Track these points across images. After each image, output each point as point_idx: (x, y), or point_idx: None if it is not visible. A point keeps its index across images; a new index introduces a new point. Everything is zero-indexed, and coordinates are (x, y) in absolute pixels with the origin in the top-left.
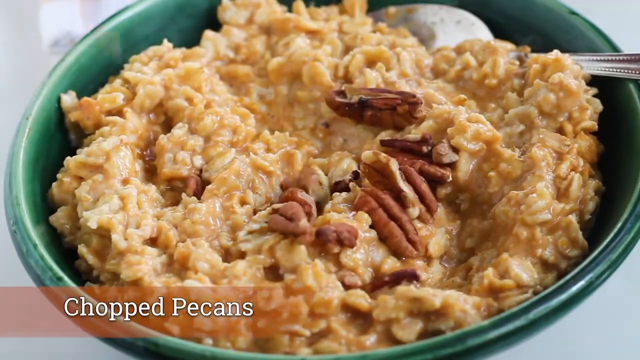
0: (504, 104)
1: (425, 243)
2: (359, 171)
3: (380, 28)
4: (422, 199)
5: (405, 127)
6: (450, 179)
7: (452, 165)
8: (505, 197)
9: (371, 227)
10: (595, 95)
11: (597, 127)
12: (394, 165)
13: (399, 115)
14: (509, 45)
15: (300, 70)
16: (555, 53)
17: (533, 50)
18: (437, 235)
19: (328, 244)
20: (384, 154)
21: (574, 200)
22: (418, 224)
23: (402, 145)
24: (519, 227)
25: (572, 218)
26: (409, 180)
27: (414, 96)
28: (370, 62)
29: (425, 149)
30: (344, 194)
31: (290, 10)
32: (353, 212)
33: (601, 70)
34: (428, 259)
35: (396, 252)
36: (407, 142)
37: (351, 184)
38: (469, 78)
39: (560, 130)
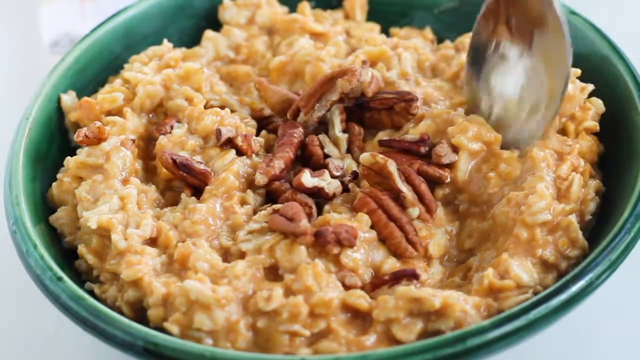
0: None
1: (425, 244)
2: (358, 171)
3: (395, 32)
4: (421, 199)
5: (404, 125)
6: (449, 179)
7: (451, 166)
8: (505, 198)
9: (371, 227)
10: (594, 94)
11: (598, 127)
12: (391, 166)
13: (396, 114)
14: None
15: (302, 70)
16: None
17: None
18: (437, 235)
19: (327, 245)
20: (381, 156)
21: (574, 201)
22: (418, 224)
23: (401, 146)
24: (519, 228)
25: (573, 218)
26: (408, 180)
27: (410, 93)
28: (373, 63)
29: (423, 149)
30: (343, 194)
31: (291, 11)
32: (353, 214)
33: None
34: (428, 259)
35: (396, 253)
36: (405, 143)
37: (350, 185)
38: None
39: (563, 130)
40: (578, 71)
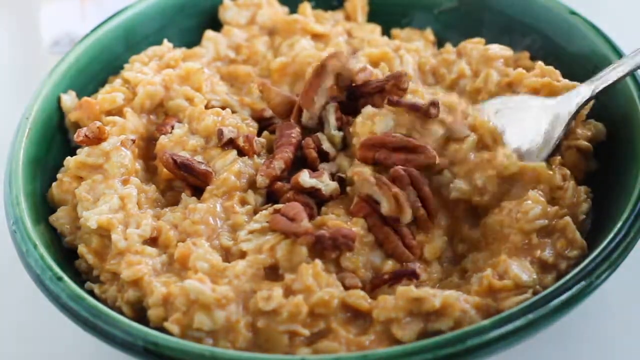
0: None
1: (422, 246)
2: (343, 176)
3: (396, 34)
4: (423, 202)
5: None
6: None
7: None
8: (497, 208)
9: (369, 230)
10: (594, 107)
11: (591, 149)
12: (365, 186)
13: (388, 93)
14: (507, 53)
15: (303, 71)
16: (541, 69)
17: (533, 51)
18: (434, 238)
19: (325, 251)
20: (357, 173)
21: (567, 205)
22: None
23: (410, 105)
24: (516, 235)
25: (569, 219)
26: (413, 184)
27: (398, 72)
28: (374, 64)
29: (433, 111)
30: (341, 196)
31: (292, 11)
32: (350, 217)
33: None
34: (424, 262)
35: (393, 257)
36: (413, 102)
37: (348, 188)
38: (464, 87)
39: (558, 147)
40: (577, 84)
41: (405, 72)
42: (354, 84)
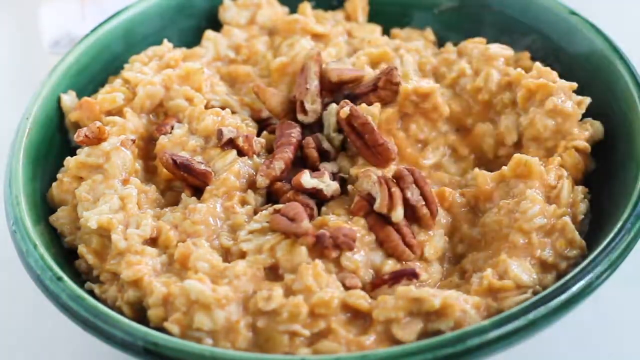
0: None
1: (422, 246)
2: (345, 177)
3: (396, 34)
4: (426, 201)
5: (392, 99)
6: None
7: None
8: (496, 207)
9: (369, 230)
10: (595, 95)
11: (589, 149)
12: (365, 183)
13: (382, 89)
14: (508, 52)
15: None
16: (538, 70)
17: (533, 51)
18: (435, 238)
19: (325, 250)
20: (363, 171)
21: (564, 205)
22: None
23: None
24: (515, 234)
25: (567, 219)
26: (416, 183)
27: (388, 66)
28: (374, 64)
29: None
30: (341, 196)
31: (292, 11)
32: (350, 216)
33: None
34: (425, 261)
35: (394, 256)
36: None
37: (349, 187)
38: (464, 86)
39: (554, 148)
40: (574, 85)
41: (396, 67)
42: (347, 89)
